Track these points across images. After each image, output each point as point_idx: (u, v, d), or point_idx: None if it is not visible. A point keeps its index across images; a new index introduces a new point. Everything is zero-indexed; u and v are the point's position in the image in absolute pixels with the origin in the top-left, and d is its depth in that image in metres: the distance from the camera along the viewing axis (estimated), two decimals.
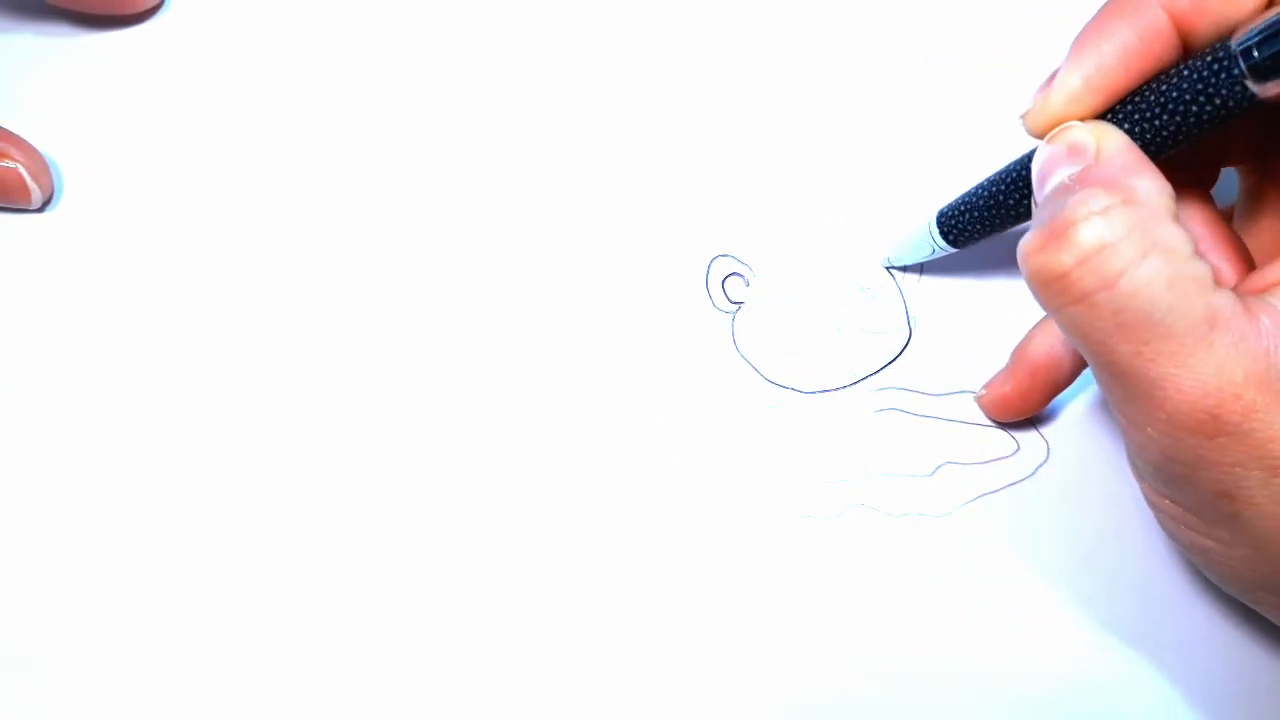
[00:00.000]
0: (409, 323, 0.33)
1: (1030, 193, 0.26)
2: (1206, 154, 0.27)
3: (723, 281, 0.34)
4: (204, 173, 0.35)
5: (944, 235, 0.30)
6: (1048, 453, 0.31)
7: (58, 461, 0.32)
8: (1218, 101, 0.22)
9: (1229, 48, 0.22)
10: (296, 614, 0.31)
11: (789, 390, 0.32)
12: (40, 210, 0.35)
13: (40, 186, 0.34)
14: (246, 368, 0.33)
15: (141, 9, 0.36)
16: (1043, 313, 0.27)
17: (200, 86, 0.36)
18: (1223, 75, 0.22)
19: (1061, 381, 0.30)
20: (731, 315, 0.33)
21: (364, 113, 0.36)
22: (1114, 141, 0.23)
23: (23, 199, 0.34)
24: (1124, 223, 0.21)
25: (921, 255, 0.32)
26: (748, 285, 0.34)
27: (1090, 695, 0.30)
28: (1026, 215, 0.28)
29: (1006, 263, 0.32)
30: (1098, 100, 0.24)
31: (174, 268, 0.34)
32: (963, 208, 0.29)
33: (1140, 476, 0.25)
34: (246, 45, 0.37)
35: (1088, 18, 0.25)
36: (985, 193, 0.28)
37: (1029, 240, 0.23)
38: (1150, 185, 0.22)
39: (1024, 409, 0.31)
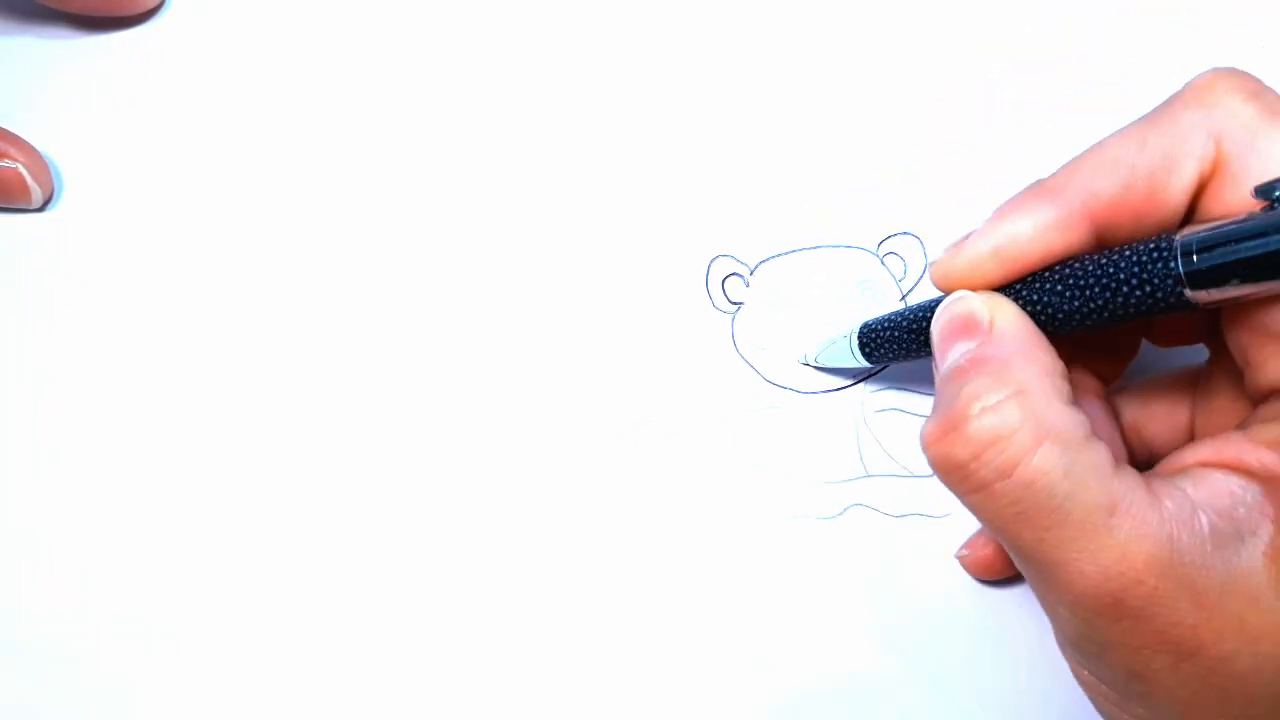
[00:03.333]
0: (409, 322, 0.33)
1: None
2: (1112, 341, 0.27)
3: (723, 281, 0.34)
4: (204, 173, 0.35)
5: (863, 350, 0.30)
6: None
7: (58, 460, 0.32)
8: (1134, 294, 0.22)
9: (1172, 243, 0.21)
10: (295, 610, 0.31)
11: (789, 390, 0.32)
12: (40, 210, 0.35)
13: (40, 186, 0.34)
14: (246, 367, 0.33)
15: (141, 10, 0.36)
16: None
17: (200, 87, 0.36)
18: (1142, 272, 0.22)
19: None
20: (731, 315, 0.33)
21: (364, 114, 0.36)
22: (1007, 317, 0.23)
23: (23, 199, 0.34)
24: (1016, 415, 0.22)
25: (841, 362, 0.31)
26: (748, 285, 0.34)
27: None
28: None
29: None
30: (1002, 271, 0.24)
31: (174, 267, 0.34)
32: (883, 328, 0.29)
33: (1061, 647, 0.25)
34: (246, 46, 0.37)
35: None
36: (904, 320, 0.28)
37: (929, 429, 0.23)
38: (1041, 369, 0.22)
39: (1009, 568, 0.30)
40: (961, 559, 0.31)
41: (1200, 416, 0.27)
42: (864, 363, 0.30)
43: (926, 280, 0.33)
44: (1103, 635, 0.22)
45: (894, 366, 0.32)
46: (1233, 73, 0.23)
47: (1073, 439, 0.22)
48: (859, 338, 0.30)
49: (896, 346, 0.28)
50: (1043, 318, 0.24)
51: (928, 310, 0.26)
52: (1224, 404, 0.26)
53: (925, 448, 0.23)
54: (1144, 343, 0.28)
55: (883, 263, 0.33)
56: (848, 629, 0.30)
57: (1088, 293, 0.23)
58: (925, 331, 0.26)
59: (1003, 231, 0.24)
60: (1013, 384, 0.22)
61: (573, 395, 0.32)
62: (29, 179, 0.34)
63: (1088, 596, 0.21)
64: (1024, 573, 0.23)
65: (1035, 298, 0.24)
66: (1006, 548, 0.23)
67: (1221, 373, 0.26)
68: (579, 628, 0.31)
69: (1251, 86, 0.23)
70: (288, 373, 0.33)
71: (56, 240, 0.34)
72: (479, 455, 0.32)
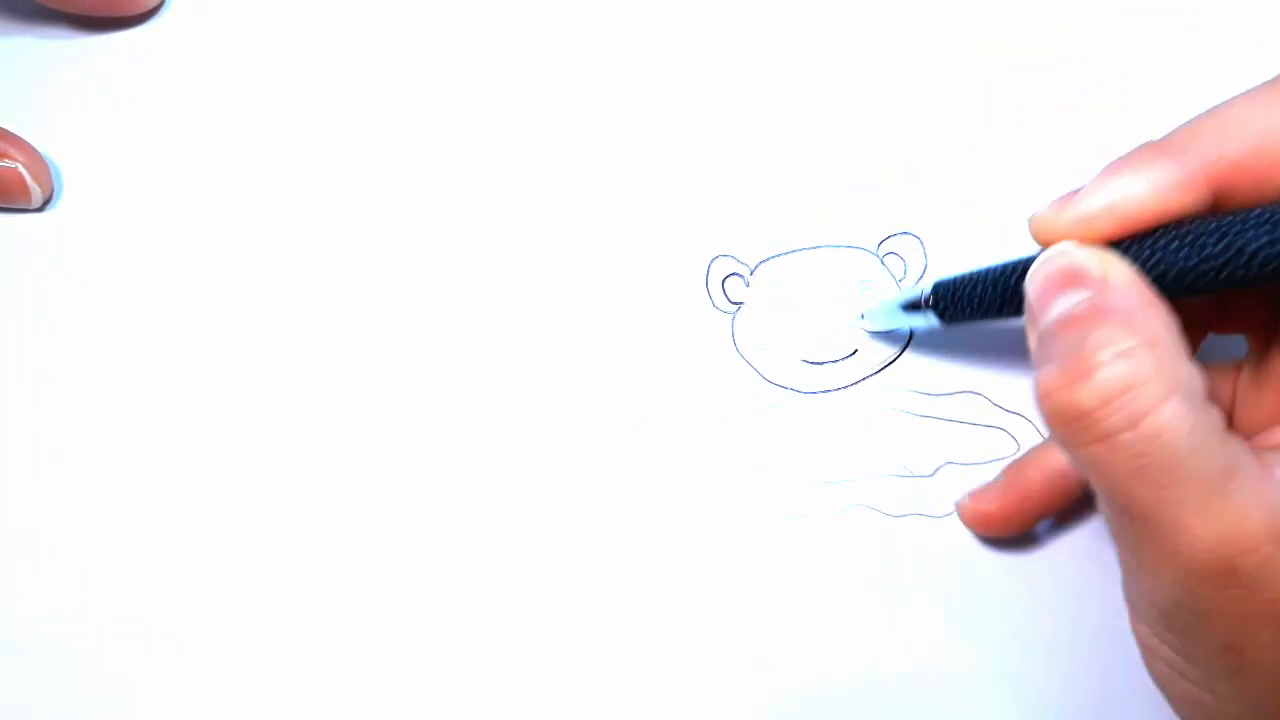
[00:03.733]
0: (409, 323, 0.33)
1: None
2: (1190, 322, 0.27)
3: (723, 281, 0.34)
4: (203, 173, 0.35)
5: (937, 307, 0.29)
6: None
7: (58, 460, 0.32)
8: (1260, 253, 0.22)
9: None
10: (295, 610, 0.31)
11: (789, 390, 0.32)
12: (40, 210, 0.35)
13: (40, 186, 0.34)
14: (246, 367, 0.33)
15: (141, 9, 0.36)
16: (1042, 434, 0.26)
17: (200, 87, 0.36)
18: (1275, 230, 0.22)
19: (1051, 509, 0.29)
20: (731, 315, 0.33)
21: (364, 114, 0.36)
22: (1123, 273, 0.23)
23: (23, 199, 0.34)
24: (1150, 362, 0.21)
25: (893, 324, 0.31)
26: (748, 285, 0.34)
27: (1093, 693, 0.30)
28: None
29: None
30: (1113, 228, 0.23)
31: (174, 267, 0.34)
32: (964, 283, 0.28)
33: (1141, 620, 0.24)
34: (246, 46, 0.37)
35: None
36: (989, 275, 0.27)
37: (1047, 378, 0.22)
38: (1165, 323, 0.22)
39: (1006, 530, 0.30)
40: (961, 508, 0.30)
41: (1242, 409, 0.26)
42: (921, 324, 0.29)
43: (927, 279, 0.33)
44: (1206, 603, 0.21)
45: (894, 367, 0.32)
46: None
47: (1198, 395, 0.21)
48: (933, 293, 0.29)
49: (977, 303, 0.27)
50: (1150, 277, 0.23)
51: (1016, 267, 0.25)
52: (1274, 395, 0.25)
53: (1043, 398, 0.22)
54: None
55: (883, 263, 0.33)
56: (847, 629, 0.30)
57: (1207, 250, 0.22)
58: (1012, 288, 0.25)
59: (1116, 188, 0.23)
60: (1145, 332, 0.21)
61: (573, 395, 0.32)
62: (29, 179, 0.34)
63: (1198, 560, 0.21)
64: (1123, 535, 0.23)
65: (1146, 254, 0.23)
66: (1111, 507, 0.22)
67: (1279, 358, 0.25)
68: (579, 628, 0.31)
69: None
70: (288, 373, 0.33)
71: (56, 240, 0.35)
72: (479, 455, 0.32)
